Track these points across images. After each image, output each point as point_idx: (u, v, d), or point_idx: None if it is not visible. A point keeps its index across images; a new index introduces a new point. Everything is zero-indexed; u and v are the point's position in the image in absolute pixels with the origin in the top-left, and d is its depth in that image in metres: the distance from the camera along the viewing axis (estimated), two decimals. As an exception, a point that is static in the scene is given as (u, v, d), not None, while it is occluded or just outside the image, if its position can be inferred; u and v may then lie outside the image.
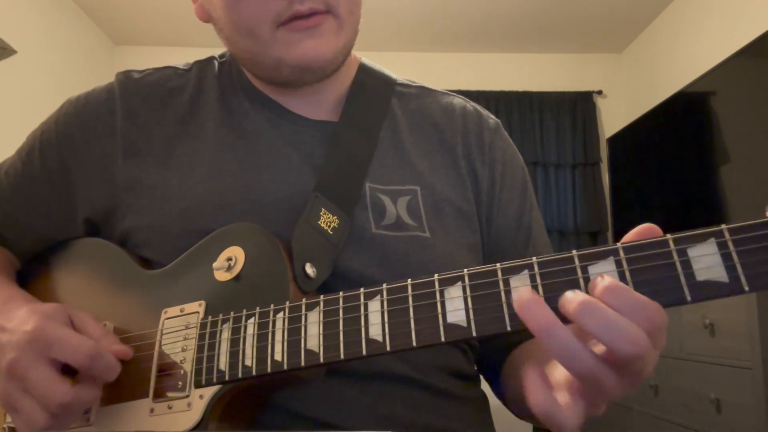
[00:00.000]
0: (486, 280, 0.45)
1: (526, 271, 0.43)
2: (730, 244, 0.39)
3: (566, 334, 0.39)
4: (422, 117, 0.75)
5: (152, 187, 0.65)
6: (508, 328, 0.43)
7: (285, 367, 0.50)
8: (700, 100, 2.81)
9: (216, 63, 0.75)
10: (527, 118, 3.72)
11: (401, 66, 3.52)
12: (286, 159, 0.67)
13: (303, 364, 0.49)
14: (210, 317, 0.55)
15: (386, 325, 0.47)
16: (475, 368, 0.73)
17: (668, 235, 0.41)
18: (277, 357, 0.50)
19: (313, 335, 0.49)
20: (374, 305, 0.48)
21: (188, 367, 0.55)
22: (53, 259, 0.72)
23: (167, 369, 0.56)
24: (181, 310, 0.58)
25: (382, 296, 0.48)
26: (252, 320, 0.53)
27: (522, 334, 0.69)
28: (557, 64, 3.89)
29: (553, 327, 0.39)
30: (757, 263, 0.38)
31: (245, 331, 0.53)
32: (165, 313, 0.58)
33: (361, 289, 0.49)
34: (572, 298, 0.39)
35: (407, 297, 0.47)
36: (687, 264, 0.40)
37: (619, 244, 0.42)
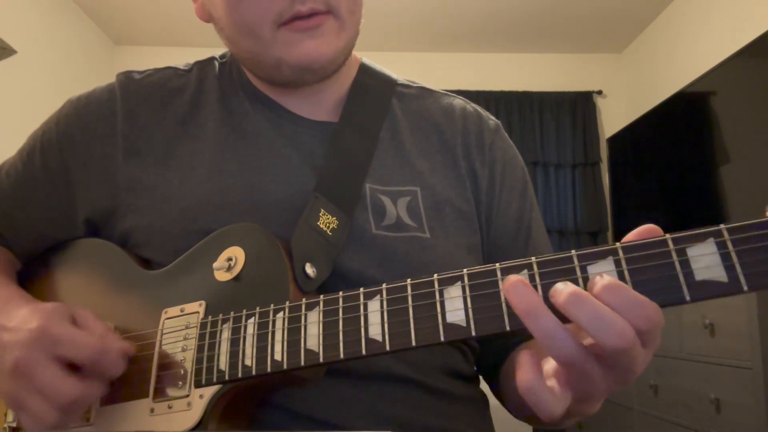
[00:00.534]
0: (485, 280, 0.45)
1: (525, 271, 0.43)
2: (729, 244, 0.39)
3: (549, 317, 0.40)
4: (422, 118, 0.75)
5: (152, 188, 0.65)
6: (508, 328, 0.43)
7: (285, 366, 0.50)
8: (700, 100, 2.81)
9: (216, 63, 0.75)
10: (527, 118, 3.72)
11: (401, 66, 3.52)
12: (287, 159, 0.67)
13: (303, 363, 0.49)
14: (210, 317, 0.56)
15: (386, 325, 0.47)
16: (475, 369, 0.73)
17: (667, 235, 0.41)
18: (277, 357, 0.50)
19: (312, 335, 0.49)
20: (374, 305, 0.48)
21: (188, 366, 0.55)
22: (54, 259, 0.72)
23: (167, 369, 0.56)
24: (182, 310, 0.58)
25: (381, 296, 0.48)
26: (252, 320, 0.53)
27: (521, 335, 0.70)
28: (557, 64, 3.89)
29: (536, 309, 0.40)
30: (756, 263, 0.38)
31: (245, 331, 0.53)
32: (165, 313, 0.59)
33: (361, 289, 0.49)
34: (561, 290, 0.40)
35: (407, 297, 0.47)
36: (686, 264, 0.40)
37: (618, 244, 0.42)
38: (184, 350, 0.56)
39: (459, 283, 0.45)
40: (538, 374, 0.41)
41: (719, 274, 0.39)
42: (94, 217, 0.69)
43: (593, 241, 3.61)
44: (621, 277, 0.41)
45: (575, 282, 0.42)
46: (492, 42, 3.78)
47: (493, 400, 0.74)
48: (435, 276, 0.47)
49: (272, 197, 0.64)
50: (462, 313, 0.44)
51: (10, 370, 0.53)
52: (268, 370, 0.50)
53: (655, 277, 0.40)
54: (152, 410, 0.55)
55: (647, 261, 0.41)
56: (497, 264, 0.45)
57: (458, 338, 0.44)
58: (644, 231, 0.43)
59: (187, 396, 0.54)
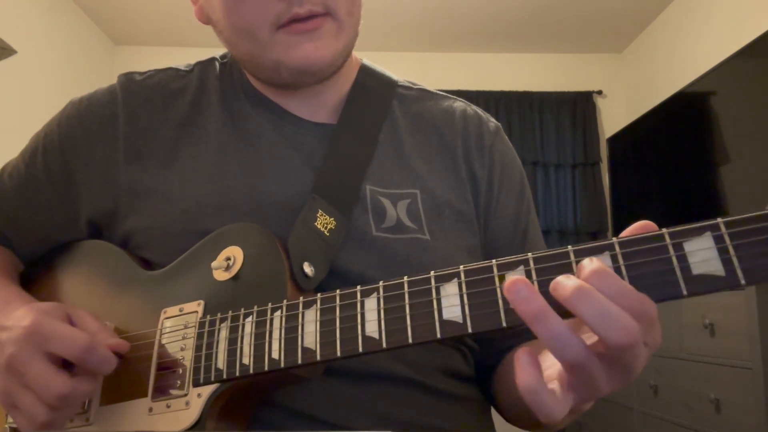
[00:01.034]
0: (482, 277, 0.45)
1: (521, 267, 0.43)
2: (726, 238, 0.39)
3: (557, 321, 0.38)
4: (423, 120, 0.75)
5: (154, 189, 0.65)
6: (504, 324, 0.43)
7: (282, 365, 0.50)
8: (700, 100, 2.81)
9: (217, 64, 0.75)
10: (527, 118, 3.72)
11: (401, 66, 3.52)
12: (287, 160, 0.67)
13: (300, 362, 0.49)
14: (209, 317, 0.56)
15: (382, 322, 0.47)
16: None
17: (664, 230, 0.40)
18: (275, 355, 0.50)
19: (310, 333, 0.50)
20: (371, 303, 0.48)
21: (187, 366, 0.55)
22: (55, 260, 0.72)
23: (166, 368, 0.56)
24: (180, 310, 0.58)
25: (378, 294, 0.48)
26: (250, 319, 0.53)
27: (517, 336, 0.70)
28: (557, 64, 3.88)
29: (544, 313, 0.38)
30: (753, 256, 0.38)
31: (243, 330, 0.53)
32: (164, 312, 0.59)
33: (358, 287, 0.49)
34: (566, 284, 0.39)
35: (403, 294, 0.47)
36: (683, 258, 0.39)
37: (614, 239, 0.42)
38: (182, 349, 0.56)
39: (455, 280, 0.45)
40: (539, 375, 0.41)
41: (716, 268, 0.38)
42: (96, 218, 0.69)
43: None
44: (618, 272, 0.41)
45: None
46: (492, 42, 3.78)
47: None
48: (432, 273, 0.47)
49: (272, 198, 0.64)
50: (458, 309, 0.44)
51: (3, 367, 0.54)
52: (266, 368, 0.50)
53: (651, 272, 0.40)
54: (151, 409, 0.55)
55: (644, 256, 0.40)
56: (493, 260, 0.45)
57: (455, 335, 0.44)
58: (639, 227, 0.42)
59: (186, 395, 0.54)
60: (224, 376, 0.52)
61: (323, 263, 0.59)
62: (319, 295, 0.51)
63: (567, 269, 0.42)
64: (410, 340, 0.45)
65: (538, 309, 0.39)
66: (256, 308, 0.53)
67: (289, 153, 0.67)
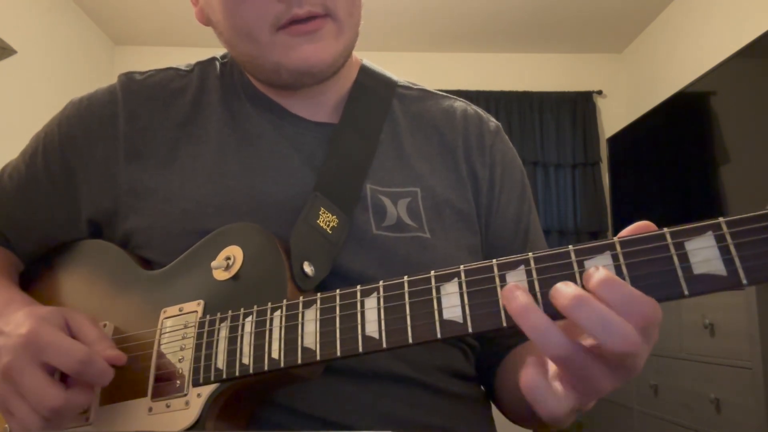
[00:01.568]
0: (482, 276, 0.44)
1: (522, 267, 0.43)
2: (728, 237, 0.38)
3: (538, 315, 0.40)
4: (423, 119, 0.75)
5: (154, 189, 0.65)
6: (504, 324, 0.43)
7: (282, 365, 0.50)
8: (700, 100, 2.81)
9: (218, 64, 0.75)
10: (527, 118, 3.71)
11: (401, 66, 3.52)
12: (288, 160, 0.67)
13: (300, 361, 0.49)
14: (208, 316, 0.56)
15: (382, 322, 0.47)
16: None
17: (665, 229, 0.40)
18: (274, 355, 0.50)
19: (309, 333, 0.49)
20: (371, 302, 0.48)
21: (186, 366, 0.55)
22: (55, 260, 0.72)
23: (166, 368, 0.56)
24: (180, 310, 0.58)
25: (378, 293, 0.48)
26: (249, 319, 0.53)
27: (519, 335, 0.70)
28: (557, 64, 3.88)
29: (526, 308, 0.40)
30: (754, 256, 0.37)
31: (242, 330, 0.53)
32: (164, 312, 0.59)
33: (358, 287, 0.49)
34: (564, 292, 0.39)
35: (403, 294, 0.47)
36: (684, 257, 0.39)
37: (615, 239, 0.42)
38: (182, 349, 0.56)
39: (456, 279, 0.45)
40: (543, 373, 0.41)
41: (718, 268, 0.38)
42: (96, 217, 0.69)
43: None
44: (618, 271, 0.41)
45: (572, 278, 0.42)
46: (492, 42, 3.78)
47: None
48: (432, 273, 0.47)
49: (273, 198, 0.64)
50: (459, 309, 0.44)
51: (0, 374, 0.54)
52: (266, 368, 0.50)
53: (653, 272, 0.40)
54: (150, 409, 0.55)
55: (645, 255, 0.40)
56: (494, 260, 0.45)
57: (455, 335, 0.44)
58: (639, 227, 0.42)
59: (185, 395, 0.54)
60: (224, 376, 0.52)
61: (325, 262, 0.59)
62: (319, 294, 0.51)
63: (568, 268, 0.42)
64: (410, 340, 0.45)
65: (521, 305, 0.40)
66: (255, 308, 0.53)
67: (290, 153, 0.67)
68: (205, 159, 0.67)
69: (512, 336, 0.70)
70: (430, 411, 0.62)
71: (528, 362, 0.42)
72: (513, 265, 0.44)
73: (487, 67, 3.87)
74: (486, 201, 0.73)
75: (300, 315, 0.51)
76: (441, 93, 0.81)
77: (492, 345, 0.72)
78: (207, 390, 0.53)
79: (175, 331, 0.57)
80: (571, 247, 0.42)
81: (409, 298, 0.47)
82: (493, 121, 0.79)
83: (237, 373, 0.51)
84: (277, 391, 0.57)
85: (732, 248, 0.38)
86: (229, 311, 0.54)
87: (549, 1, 3.30)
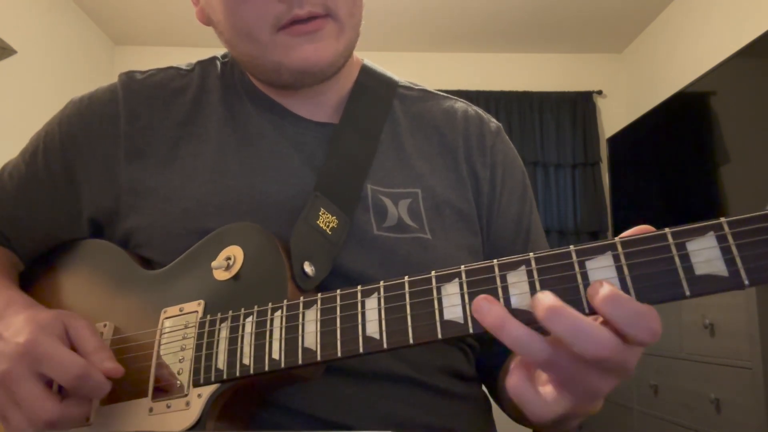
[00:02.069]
0: (483, 276, 0.44)
1: (523, 267, 0.43)
2: (730, 238, 0.38)
3: (516, 326, 0.40)
4: (424, 120, 0.75)
5: (154, 188, 0.65)
6: None
7: (282, 365, 0.50)
8: (700, 100, 2.81)
9: (218, 63, 0.75)
10: (527, 118, 3.72)
11: (401, 66, 3.52)
12: (288, 160, 0.67)
13: (300, 362, 0.49)
14: (209, 316, 0.56)
15: (383, 323, 0.47)
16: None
17: (666, 229, 0.40)
18: (275, 355, 0.50)
19: (310, 333, 0.49)
20: (371, 303, 0.48)
21: (187, 366, 0.55)
22: (55, 260, 0.72)
23: (166, 368, 0.56)
24: (180, 310, 0.58)
25: (379, 294, 0.48)
26: (250, 319, 0.53)
27: None
28: (557, 64, 3.88)
29: (503, 321, 0.41)
30: (756, 257, 0.37)
31: (243, 330, 0.53)
32: (164, 312, 0.59)
33: (359, 287, 0.49)
34: (541, 302, 0.40)
35: (404, 294, 0.47)
36: (686, 258, 0.39)
37: (616, 239, 0.42)
38: (182, 349, 0.56)
39: (456, 280, 0.45)
40: (528, 377, 0.42)
41: (720, 269, 0.38)
42: (97, 216, 0.69)
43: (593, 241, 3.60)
44: (620, 272, 0.41)
45: (573, 277, 0.42)
46: (492, 42, 3.78)
47: (496, 401, 0.74)
48: (432, 273, 0.46)
49: (273, 198, 0.64)
50: (459, 309, 0.44)
51: None
52: (266, 368, 0.50)
53: (654, 272, 0.40)
54: (151, 410, 0.55)
55: (646, 255, 0.40)
56: (495, 260, 0.45)
57: (456, 335, 0.44)
58: (639, 231, 0.42)
59: (186, 395, 0.54)
60: (224, 377, 0.52)
61: (325, 262, 0.59)
62: (319, 295, 0.51)
63: (569, 269, 0.42)
64: (411, 341, 0.45)
65: (497, 319, 0.41)
66: (256, 308, 0.53)
67: (290, 153, 0.67)
68: (205, 158, 0.66)
69: None
70: (431, 411, 0.62)
71: (513, 366, 0.43)
72: (514, 266, 0.44)
73: (487, 67, 3.87)
74: (487, 201, 0.73)
75: (300, 315, 0.51)
76: (442, 94, 0.81)
77: (493, 345, 0.72)
78: (207, 390, 0.53)
79: (176, 331, 0.57)
80: (572, 247, 0.42)
81: (410, 299, 0.46)
82: (494, 122, 0.79)
83: (237, 374, 0.51)
84: (277, 392, 0.57)
85: (734, 249, 0.38)
86: (230, 311, 0.54)
87: (549, 1, 3.30)
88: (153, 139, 0.68)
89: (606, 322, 0.40)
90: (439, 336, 0.44)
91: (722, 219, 0.39)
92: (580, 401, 0.42)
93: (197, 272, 0.59)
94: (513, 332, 0.40)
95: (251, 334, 0.52)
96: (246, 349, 0.52)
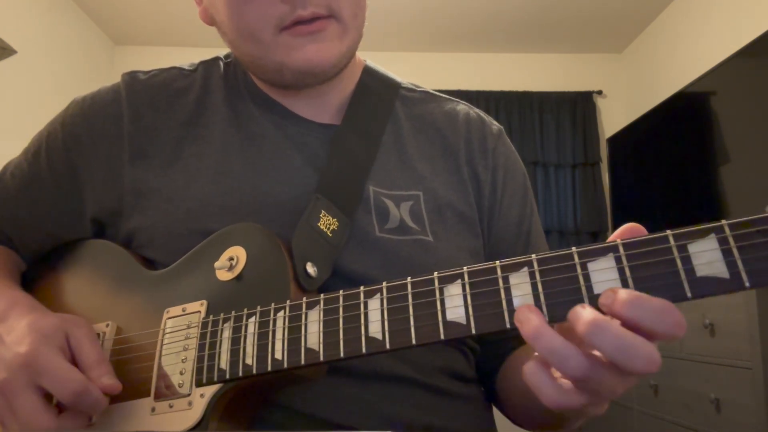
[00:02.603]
0: (485, 278, 0.45)
1: (525, 269, 0.43)
2: (731, 240, 0.38)
3: (553, 336, 0.39)
4: (425, 122, 0.75)
5: (158, 189, 0.65)
6: (508, 326, 0.43)
7: (285, 365, 0.50)
8: (700, 100, 2.81)
9: (221, 64, 0.75)
10: (527, 118, 3.72)
11: (401, 66, 3.52)
12: (291, 161, 0.67)
13: (303, 362, 0.49)
14: (211, 316, 0.56)
15: (386, 323, 0.47)
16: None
17: (668, 231, 0.40)
18: (278, 355, 0.50)
19: (313, 333, 0.50)
20: (374, 303, 0.48)
21: (189, 366, 0.55)
22: (58, 260, 0.72)
23: (169, 368, 0.56)
24: (183, 310, 0.58)
25: (381, 294, 0.48)
26: (253, 319, 0.53)
27: (520, 338, 0.70)
28: (557, 64, 3.88)
29: (539, 330, 0.39)
30: (757, 259, 0.37)
31: (246, 330, 0.53)
32: (167, 312, 0.59)
33: (361, 288, 0.49)
34: (581, 317, 0.39)
35: (407, 295, 0.47)
36: (687, 260, 0.39)
37: (618, 241, 0.42)
38: (185, 349, 0.56)
39: (459, 281, 0.45)
40: (542, 362, 0.41)
41: (721, 270, 0.38)
42: (100, 216, 0.69)
43: (593, 241, 3.60)
44: (621, 274, 0.41)
45: (575, 279, 0.42)
46: (492, 42, 3.78)
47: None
48: (435, 274, 0.47)
49: (275, 199, 0.64)
50: (462, 310, 0.44)
51: None
52: (269, 369, 0.50)
53: (656, 274, 0.40)
54: (153, 409, 0.55)
55: (648, 257, 0.40)
56: (497, 262, 0.45)
57: (458, 336, 0.44)
58: (625, 230, 0.42)
59: (188, 395, 0.54)
60: (227, 377, 0.52)
61: (326, 264, 0.59)
62: (322, 295, 0.51)
63: (571, 271, 0.42)
64: (414, 341, 0.45)
65: (534, 328, 0.40)
66: (259, 308, 0.53)
67: (292, 153, 0.67)
68: (208, 159, 0.67)
69: (514, 338, 0.70)
70: (432, 412, 0.62)
71: (534, 356, 0.42)
72: (516, 267, 0.44)
73: (487, 67, 3.87)
74: (488, 204, 0.73)
75: (303, 316, 0.51)
76: (444, 96, 0.81)
77: (493, 348, 0.72)
78: (210, 390, 0.53)
79: (178, 331, 0.57)
80: (574, 249, 0.42)
81: (413, 300, 0.47)
82: (495, 125, 0.79)
83: (240, 374, 0.51)
84: (279, 392, 0.57)
85: (735, 251, 0.38)
86: (233, 312, 0.55)
87: (549, 1, 3.30)
88: (156, 140, 0.68)
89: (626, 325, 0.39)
90: (442, 337, 0.44)
91: (723, 221, 0.39)
92: (595, 400, 0.42)
93: (200, 272, 0.59)
94: (547, 342, 0.39)
95: (254, 334, 0.52)
96: (249, 349, 0.52)
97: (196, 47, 3.63)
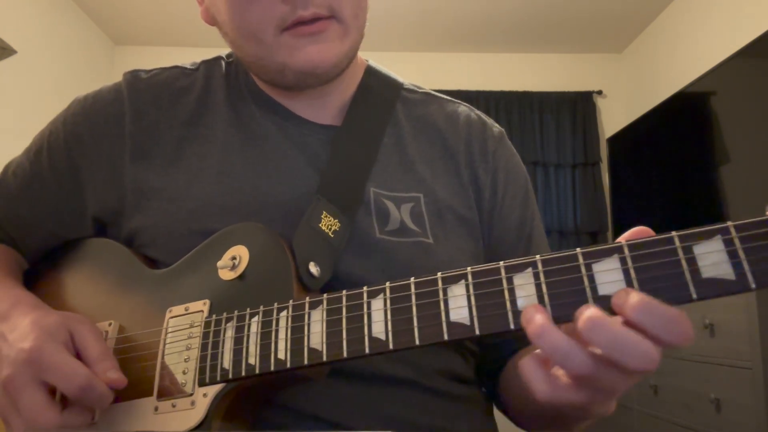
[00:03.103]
0: (489, 278, 0.44)
1: (529, 269, 0.43)
2: (737, 241, 0.38)
3: (556, 334, 0.39)
4: (426, 123, 0.75)
5: (160, 189, 0.65)
6: (512, 326, 0.43)
7: (288, 365, 0.50)
8: (700, 100, 2.81)
9: (223, 63, 0.75)
10: (527, 118, 3.72)
11: (401, 66, 3.52)
12: (292, 161, 0.67)
13: (306, 362, 0.49)
14: (214, 316, 0.56)
15: (389, 323, 0.47)
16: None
17: (673, 233, 0.40)
18: (281, 355, 0.50)
19: (316, 333, 0.49)
20: (377, 304, 0.48)
21: (192, 365, 0.55)
22: (60, 259, 0.72)
23: (171, 368, 0.56)
24: (186, 309, 0.58)
25: (385, 295, 0.48)
26: (256, 319, 0.53)
27: (521, 339, 0.70)
28: (557, 64, 3.89)
29: (543, 328, 0.40)
30: (763, 260, 0.37)
31: (249, 330, 0.53)
32: (170, 312, 0.59)
33: (365, 288, 0.49)
34: (582, 313, 0.39)
35: (410, 296, 0.47)
36: (692, 261, 0.39)
37: (624, 242, 0.42)
38: (188, 349, 0.56)
39: (463, 281, 0.45)
40: (538, 357, 0.42)
41: (726, 272, 0.38)
42: (101, 216, 0.69)
43: (593, 241, 3.61)
44: (626, 275, 0.41)
45: (579, 280, 0.42)
46: (492, 42, 3.78)
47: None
48: (439, 275, 0.46)
49: (277, 199, 0.64)
50: (466, 311, 0.44)
51: (0, 384, 0.54)
52: (272, 368, 0.50)
53: (661, 275, 0.40)
54: (156, 409, 0.55)
55: (653, 259, 0.40)
56: (501, 262, 0.45)
57: (462, 337, 0.44)
58: (636, 233, 0.42)
59: (191, 395, 0.54)
60: (230, 376, 0.52)
61: (328, 264, 0.59)
62: (325, 295, 0.51)
63: (575, 272, 0.42)
64: (417, 342, 0.45)
65: (539, 326, 0.40)
66: (262, 308, 0.53)
67: (293, 154, 0.67)
68: (210, 159, 0.67)
69: (517, 340, 0.70)
70: (432, 413, 0.62)
71: (533, 352, 0.42)
72: (520, 268, 0.44)
73: (487, 67, 3.87)
74: (489, 207, 0.72)
75: (306, 315, 0.51)
76: (446, 97, 0.81)
77: (494, 351, 0.72)
78: (213, 390, 0.53)
79: (181, 330, 0.57)
80: (578, 250, 0.42)
81: (416, 300, 0.46)
82: (496, 127, 0.79)
83: (243, 373, 0.51)
84: (281, 392, 0.57)
85: (741, 252, 0.38)
86: (235, 311, 0.54)
87: (549, 1, 3.31)
88: (158, 139, 0.68)
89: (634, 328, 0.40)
90: (446, 337, 0.44)
91: (729, 223, 0.39)
92: (596, 399, 0.42)
93: (203, 272, 0.59)
94: (550, 340, 0.39)
95: (257, 333, 0.52)
96: (252, 348, 0.52)
97: (196, 47, 3.63)
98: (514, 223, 0.74)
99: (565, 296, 0.41)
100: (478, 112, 0.80)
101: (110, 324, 0.61)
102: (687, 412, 2.14)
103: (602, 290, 0.41)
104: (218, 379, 0.53)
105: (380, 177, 0.68)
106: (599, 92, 3.82)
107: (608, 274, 0.41)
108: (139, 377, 0.57)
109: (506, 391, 0.70)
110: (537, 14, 3.44)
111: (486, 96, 3.71)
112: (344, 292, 0.50)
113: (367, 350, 0.47)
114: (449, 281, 0.46)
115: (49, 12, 3.19)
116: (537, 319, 0.40)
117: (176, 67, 0.75)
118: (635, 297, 0.39)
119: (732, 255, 0.38)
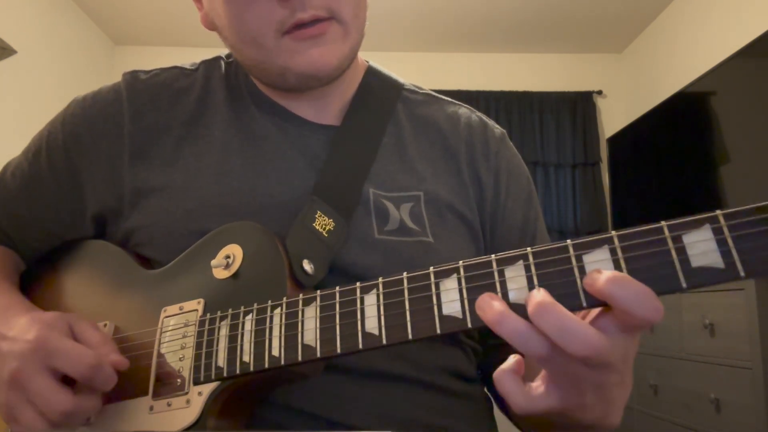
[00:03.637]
0: (481, 272, 0.44)
1: (521, 262, 0.43)
2: (726, 230, 0.38)
3: (514, 320, 0.41)
4: (427, 124, 0.75)
5: (158, 189, 0.65)
6: None
7: (282, 362, 0.50)
8: (700, 100, 2.81)
9: (222, 63, 0.75)
10: (527, 118, 3.72)
11: (402, 66, 3.53)
12: (292, 162, 0.67)
13: (300, 359, 0.49)
14: (209, 315, 0.56)
15: (382, 319, 0.47)
16: (478, 372, 0.73)
17: (663, 222, 0.40)
18: (275, 352, 0.50)
19: (310, 330, 0.49)
20: (370, 299, 0.48)
21: (187, 364, 0.55)
22: (56, 260, 0.72)
23: (166, 367, 0.56)
24: (180, 309, 0.58)
25: (378, 290, 0.48)
26: (250, 317, 0.53)
27: None
28: (557, 64, 3.89)
29: (501, 315, 0.41)
30: (752, 249, 0.37)
31: (243, 328, 0.53)
32: (164, 311, 0.59)
33: (358, 284, 0.49)
34: (532, 298, 0.41)
35: (403, 290, 0.47)
36: (682, 250, 0.39)
37: (613, 232, 0.42)
38: (183, 348, 0.56)
39: (455, 275, 0.45)
40: (512, 370, 0.44)
41: (715, 261, 0.38)
42: (101, 215, 0.69)
43: (593, 241, 3.61)
44: (617, 265, 0.41)
45: (571, 271, 0.42)
46: (492, 42, 3.78)
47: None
48: (431, 269, 0.46)
49: (276, 200, 0.64)
50: (458, 304, 0.44)
51: (7, 381, 0.54)
52: (266, 365, 0.50)
53: (650, 265, 0.40)
54: (151, 408, 0.55)
55: (643, 249, 0.40)
56: (492, 255, 0.45)
57: (455, 330, 0.44)
58: None
59: (186, 393, 0.54)
60: (225, 374, 0.52)
61: (322, 263, 0.59)
62: (318, 292, 0.51)
63: (566, 263, 0.42)
64: (410, 336, 0.45)
65: (496, 314, 0.41)
66: (256, 306, 0.53)
67: (293, 155, 0.67)
68: (209, 159, 0.66)
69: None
70: (431, 410, 0.62)
71: (508, 360, 0.44)
72: (511, 260, 0.44)
73: (487, 67, 3.87)
74: (491, 208, 0.72)
75: (300, 312, 0.51)
76: (447, 99, 0.81)
77: (496, 351, 0.71)
78: (208, 388, 0.53)
79: (176, 329, 0.57)
80: (569, 241, 0.42)
81: (409, 295, 0.47)
82: (498, 128, 0.79)
83: (238, 371, 0.51)
84: (277, 390, 0.57)
85: (729, 240, 0.38)
86: (230, 309, 0.55)
87: (549, 1, 3.31)
88: (157, 140, 0.68)
89: (603, 314, 0.41)
90: (438, 331, 0.44)
91: (718, 212, 0.39)
92: (568, 395, 0.43)
93: (197, 271, 0.59)
94: (511, 325, 0.41)
95: (251, 331, 0.52)
96: (246, 346, 0.52)
97: (196, 47, 3.64)
98: (517, 224, 0.74)
99: (557, 288, 0.41)
100: (479, 114, 0.80)
101: (105, 325, 0.62)
102: (687, 412, 2.14)
103: None
104: (213, 377, 0.53)
105: (380, 177, 0.68)
106: (599, 92, 3.82)
107: (599, 265, 0.41)
108: (135, 377, 0.57)
109: None
110: (537, 14, 3.44)
111: (486, 96, 3.72)
112: (337, 288, 0.50)
113: (360, 345, 0.47)
114: (441, 275, 0.46)
115: (49, 12, 3.19)
116: (495, 306, 0.41)
117: (176, 67, 0.75)
118: (607, 272, 0.40)
119: (721, 243, 0.38)
